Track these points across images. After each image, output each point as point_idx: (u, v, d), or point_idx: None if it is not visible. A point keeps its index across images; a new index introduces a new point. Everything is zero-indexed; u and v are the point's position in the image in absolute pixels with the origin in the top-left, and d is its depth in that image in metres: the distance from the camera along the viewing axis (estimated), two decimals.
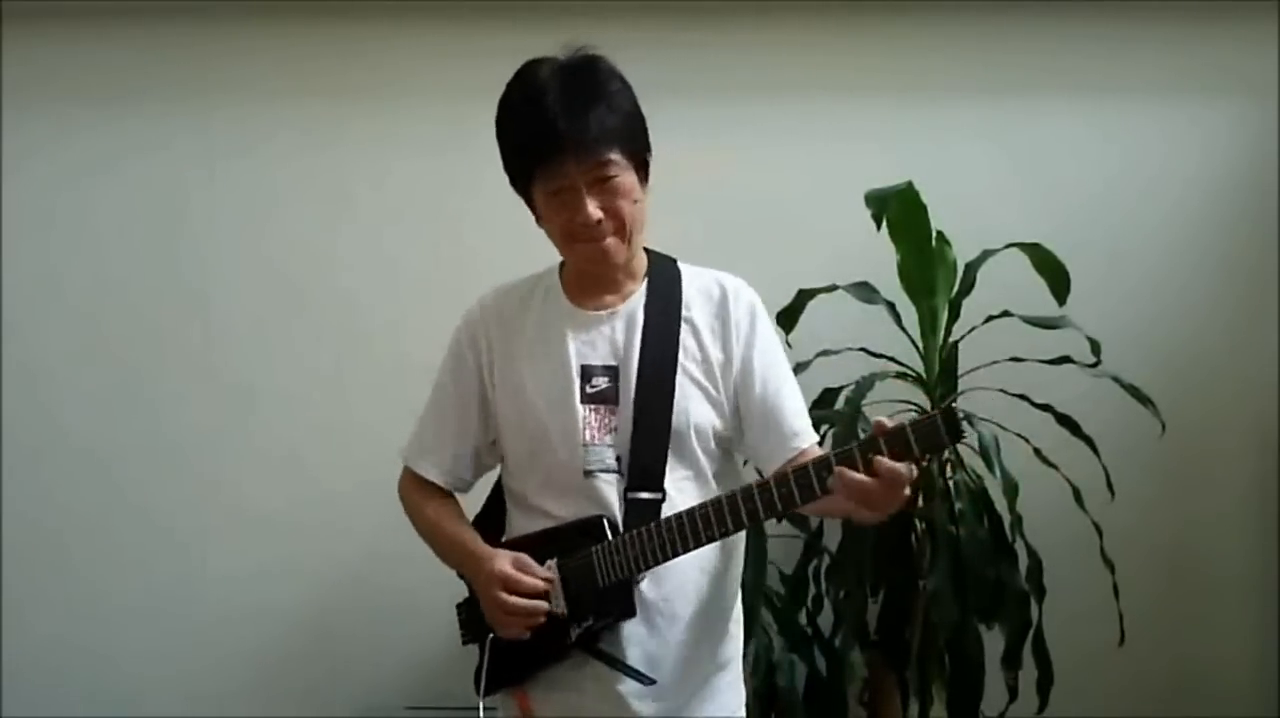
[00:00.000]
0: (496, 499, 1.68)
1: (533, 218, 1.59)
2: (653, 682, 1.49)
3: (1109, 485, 2.29)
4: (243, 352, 2.75)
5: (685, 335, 1.55)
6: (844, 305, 2.41)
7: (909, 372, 2.45)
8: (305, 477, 2.73)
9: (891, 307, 2.43)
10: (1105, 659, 2.42)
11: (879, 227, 2.27)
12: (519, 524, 1.61)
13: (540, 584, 1.49)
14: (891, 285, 2.42)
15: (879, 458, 1.28)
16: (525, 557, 1.52)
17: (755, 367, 1.56)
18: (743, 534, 1.61)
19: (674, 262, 1.63)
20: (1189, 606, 2.72)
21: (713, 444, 1.55)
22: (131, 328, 2.76)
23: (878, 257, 2.37)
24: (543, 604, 1.49)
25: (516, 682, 1.57)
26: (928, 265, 2.39)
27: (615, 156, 1.48)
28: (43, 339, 2.76)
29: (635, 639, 1.50)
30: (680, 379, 1.52)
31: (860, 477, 1.28)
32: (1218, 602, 2.72)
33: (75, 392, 2.75)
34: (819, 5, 2.69)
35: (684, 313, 1.56)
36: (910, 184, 2.29)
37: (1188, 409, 2.58)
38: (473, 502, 1.71)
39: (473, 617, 1.61)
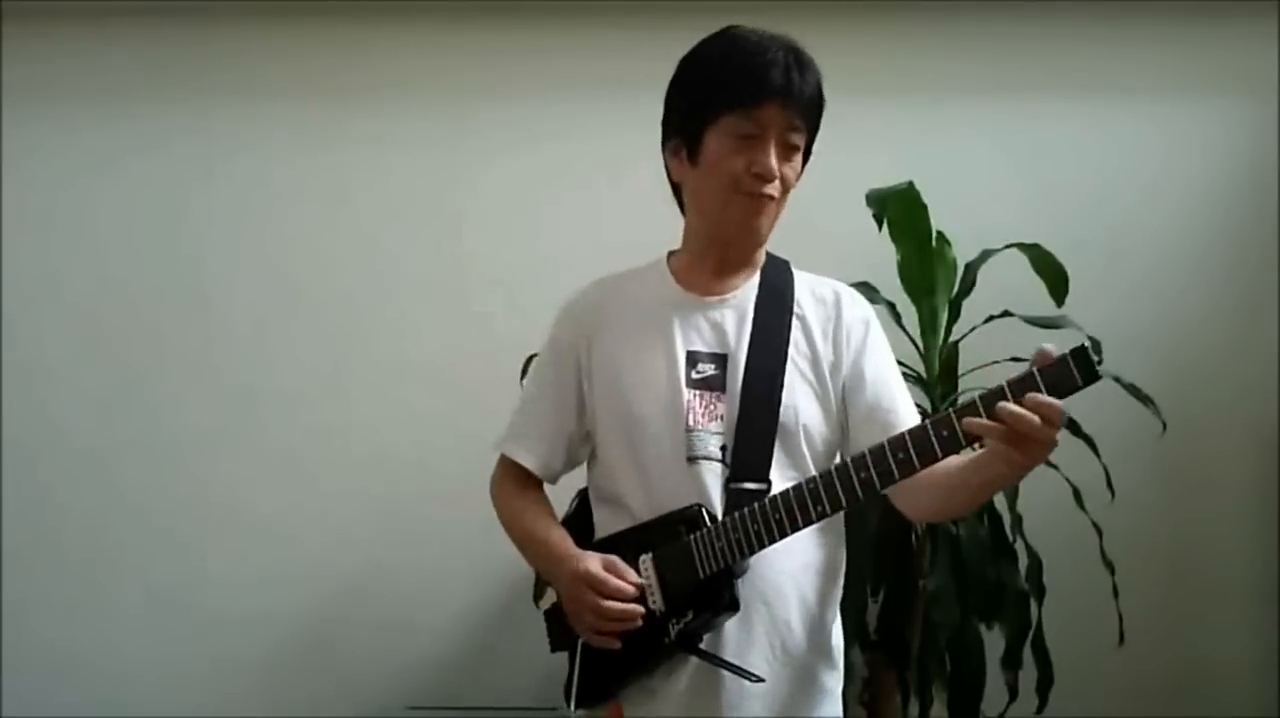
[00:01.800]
0: (583, 507, 1.62)
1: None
2: (760, 680, 1.41)
3: (1109, 485, 2.29)
4: (242, 351, 2.75)
5: (796, 331, 1.52)
6: None
7: (909, 372, 2.44)
8: (305, 476, 2.73)
9: (892, 307, 2.43)
10: (1105, 659, 2.42)
11: (880, 227, 2.27)
12: (608, 525, 1.54)
13: (630, 589, 1.41)
14: (891, 285, 2.41)
15: (1031, 394, 1.20)
16: (615, 558, 1.45)
17: (866, 372, 1.51)
18: (841, 531, 1.55)
19: (788, 263, 1.61)
20: (1189, 606, 2.72)
21: (819, 445, 1.50)
22: (131, 328, 2.76)
23: (878, 257, 2.37)
24: (638, 608, 1.41)
25: (609, 692, 1.49)
26: (928, 265, 2.39)
27: (805, 129, 1.49)
28: (43, 339, 2.76)
29: (738, 644, 1.43)
30: (790, 373, 1.49)
31: (1022, 410, 1.19)
32: (1218, 602, 2.72)
33: (75, 392, 2.75)
34: (819, 5, 2.69)
35: (796, 309, 1.54)
36: (911, 184, 2.29)
37: (1188, 409, 2.58)
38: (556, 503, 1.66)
39: (561, 623, 1.52)
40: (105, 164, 2.78)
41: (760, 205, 1.48)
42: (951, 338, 2.44)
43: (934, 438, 1.27)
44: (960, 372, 2.42)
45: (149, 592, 2.72)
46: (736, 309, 1.53)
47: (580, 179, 2.72)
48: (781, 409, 1.46)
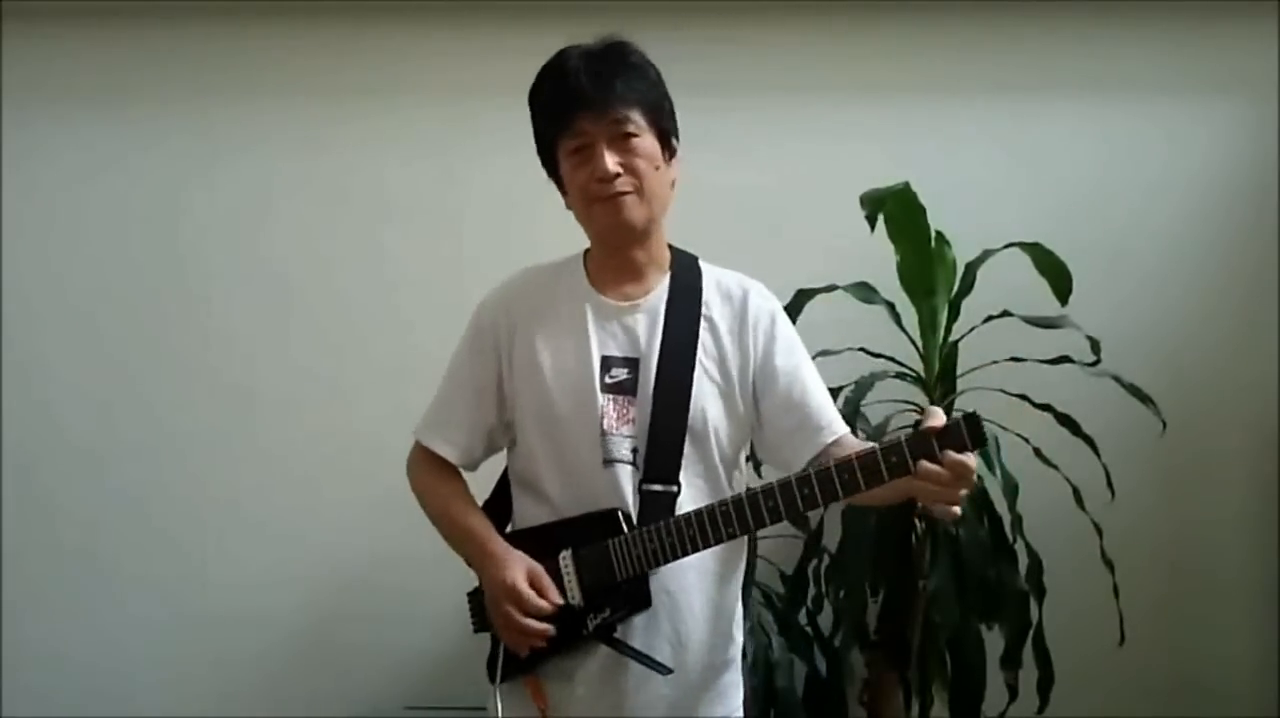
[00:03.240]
0: (504, 486, 1.69)
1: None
2: (670, 671, 1.51)
3: (1109, 485, 2.29)
4: (241, 352, 2.75)
5: (704, 333, 1.58)
6: (844, 305, 2.41)
7: (909, 372, 2.45)
8: (304, 476, 2.73)
9: (891, 307, 2.43)
10: (1105, 659, 2.42)
11: (873, 227, 2.27)
12: (526, 511, 1.62)
13: (549, 608, 1.50)
14: (891, 285, 2.42)
15: (950, 453, 1.31)
16: (540, 569, 1.53)
17: (777, 365, 1.59)
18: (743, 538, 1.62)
19: (695, 259, 1.66)
20: (1189, 606, 2.72)
21: (727, 447, 1.58)
22: (131, 328, 2.75)
23: (878, 257, 2.37)
24: (549, 629, 1.50)
25: (527, 669, 1.58)
26: (927, 265, 2.39)
27: (635, 116, 1.53)
28: (43, 339, 2.76)
29: (644, 630, 1.52)
30: (699, 376, 1.55)
31: (938, 468, 1.31)
32: (1218, 602, 2.72)
33: (75, 392, 2.75)
34: (819, 5, 2.69)
35: (704, 311, 1.59)
36: (907, 184, 2.29)
37: (1188, 409, 2.58)
38: (477, 484, 1.71)
39: (483, 606, 1.61)
40: (105, 164, 2.77)
41: (617, 204, 1.54)
42: (951, 338, 2.44)
43: (836, 479, 1.38)
44: (960, 372, 2.43)
45: (149, 592, 2.72)
46: (648, 313, 1.58)
47: None
48: (690, 412, 1.53)
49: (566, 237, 2.77)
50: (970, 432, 1.31)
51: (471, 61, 2.75)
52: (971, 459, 1.31)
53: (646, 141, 1.54)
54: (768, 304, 1.64)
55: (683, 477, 1.53)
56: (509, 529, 1.66)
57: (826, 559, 2.46)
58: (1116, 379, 2.31)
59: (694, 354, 1.56)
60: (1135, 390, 2.31)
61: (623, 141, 1.52)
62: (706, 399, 1.55)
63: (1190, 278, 2.75)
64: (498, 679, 1.61)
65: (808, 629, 2.45)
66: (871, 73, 2.73)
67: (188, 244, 2.78)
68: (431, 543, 2.66)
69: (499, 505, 1.68)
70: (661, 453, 1.52)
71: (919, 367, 2.45)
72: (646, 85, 1.56)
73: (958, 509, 1.35)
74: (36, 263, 2.77)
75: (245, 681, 2.71)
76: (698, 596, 1.56)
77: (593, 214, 1.56)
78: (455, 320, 2.72)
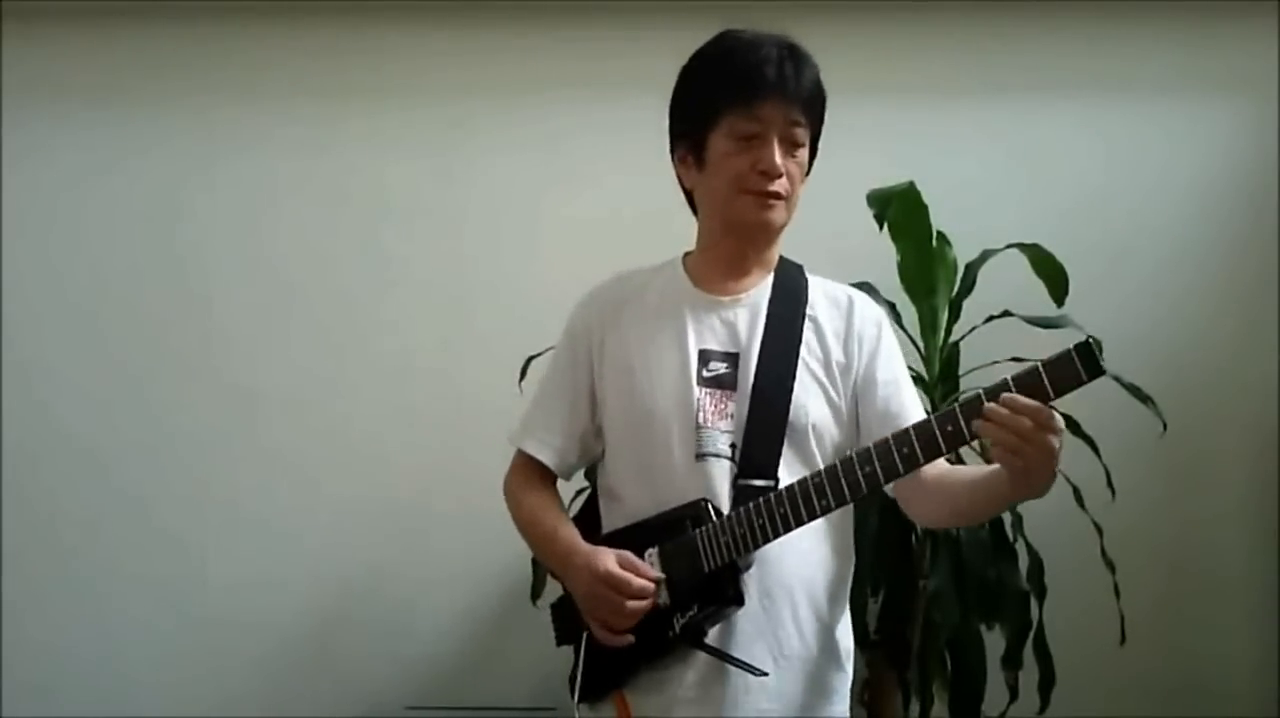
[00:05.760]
0: (591, 503, 1.64)
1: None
2: (763, 674, 1.42)
3: (1109, 485, 2.29)
4: (242, 352, 2.75)
5: (808, 332, 1.53)
6: None
7: (909, 371, 2.44)
8: (305, 476, 2.73)
9: (892, 307, 2.43)
10: (1105, 659, 2.42)
11: (881, 227, 2.27)
12: (611, 520, 1.55)
13: (651, 587, 1.42)
14: (891, 285, 2.41)
15: (1008, 396, 1.21)
16: (629, 554, 1.45)
17: (878, 377, 1.53)
18: (850, 536, 1.57)
19: (801, 266, 1.62)
20: (1189, 606, 2.71)
21: (828, 446, 1.51)
22: (131, 328, 2.76)
23: (878, 257, 2.37)
24: (647, 605, 1.42)
25: (615, 684, 1.49)
26: (928, 265, 2.39)
27: (808, 124, 1.50)
28: (43, 339, 2.76)
29: (741, 637, 1.44)
30: (801, 373, 1.49)
31: (1008, 412, 1.21)
32: (1218, 602, 2.72)
33: (75, 392, 2.75)
34: (818, 5, 2.69)
35: (809, 311, 1.54)
36: (912, 184, 2.29)
37: (1188, 409, 2.58)
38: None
39: (567, 617, 1.53)
40: (105, 164, 2.78)
41: (767, 204, 1.50)
42: (952, 338, 2.44)
43: (939, 433, 1.29)
44: (961, 372, 2.42)
45: (149, 592, 2.72)
46: (750, 308, 1.54)
47: (580, 179, 2.72)
48: (791, 408, 1.47)
49: (567, 236, 2.78)
50: (1082, 360, 1.20)
51: (471, 61, 2.76)
52: (1036, 406, 1.20)
53: (804, 155, 1.52)
54: (874, 312, 1.59)
55: (781, 473, 1.45)
56: (601, 536, 1.56)
57: None
58: (1116, 379, 2.31)
59: (797, 350, 1.50)
60: (1135, 390, 2.31)
61: (791, 145, 1.49)
62: (808, 397, 1.49)
63: (1190, 278, 2.75)
64: (576, 697, 1.50)
65: None
66: (871, 73, 2.73)
67: (188, 244, 2.78)
68: (432, 543, 2.68)
69: (585, 523, 1.59)
70: (759, 448, 1.45)
71: (920, 367, 2.45)
72: (823, 101, 1.53)
73: (1021, 461, 1.24)
74: (36, 263, 2.78)
75: (246, 681, 2.71)
76: (804, 609, 1.47)
77: (737, 204, 1.50)
78: (455, 320, 2.76)
